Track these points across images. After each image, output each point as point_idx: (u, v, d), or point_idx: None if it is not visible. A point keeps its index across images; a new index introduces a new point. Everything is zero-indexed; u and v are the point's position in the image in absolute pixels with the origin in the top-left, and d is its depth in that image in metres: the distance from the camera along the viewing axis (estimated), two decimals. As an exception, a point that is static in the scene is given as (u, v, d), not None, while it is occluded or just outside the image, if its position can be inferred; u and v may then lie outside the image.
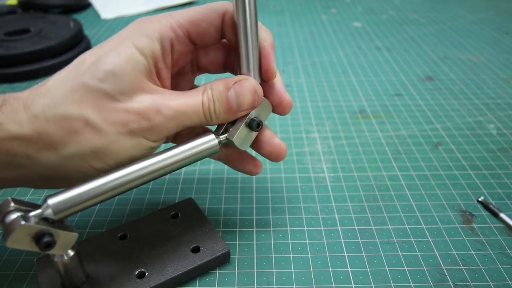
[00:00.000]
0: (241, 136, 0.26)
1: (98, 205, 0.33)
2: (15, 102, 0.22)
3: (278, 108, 0.28)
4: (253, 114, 0.26)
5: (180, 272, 0.26)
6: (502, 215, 0.30)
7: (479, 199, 0.30)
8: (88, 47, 0.61)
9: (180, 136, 0.30)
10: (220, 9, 0.25)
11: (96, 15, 0.77)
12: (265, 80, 0.27)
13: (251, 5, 0.24)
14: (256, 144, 0.28)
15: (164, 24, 0.24)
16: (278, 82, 0.27)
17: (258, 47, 0.25)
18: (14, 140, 0.21)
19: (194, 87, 0.30)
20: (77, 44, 0.59)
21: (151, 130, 0.23)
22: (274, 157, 0.28)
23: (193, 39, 0.26)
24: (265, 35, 0.26)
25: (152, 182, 0.35)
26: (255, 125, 0.26)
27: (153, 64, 0.24)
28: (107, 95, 0.22)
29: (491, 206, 0.29)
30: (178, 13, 0.25)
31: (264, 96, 0.27)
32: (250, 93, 0.25)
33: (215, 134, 0.26)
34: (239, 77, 0.26)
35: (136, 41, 0.23)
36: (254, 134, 0.27)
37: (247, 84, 0.25)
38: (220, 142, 0.26)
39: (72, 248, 0.24)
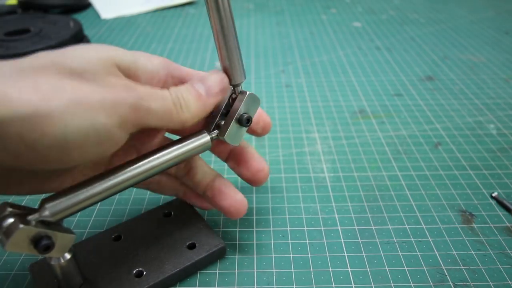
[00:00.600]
0: (231, 132, 0.26)
1: (98, 205, 0.33)
2: None
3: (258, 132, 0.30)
4: (242, 110, 0.26)
5: (178, 269, 0.26)
6: None
7: (493, 195, 0.29)
8: (88, 47, 0.61)
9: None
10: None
11: (96, 15, 0.77)
12: (262, 133, 0.30)
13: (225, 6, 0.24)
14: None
15: (165, 60, 0.25)
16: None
17: (236, 46, 0.25)
18: None
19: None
20: (77, 44, 0.59)
21: (116, 107, 0.21)
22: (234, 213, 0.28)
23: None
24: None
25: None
26: (245, 121, 0.26)
27: (135, 73, 0.23)
28: (74, 72, 0.20)
29: (505, 202, 0.29)
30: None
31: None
32: (216, 74, 0.25)
33: (207, 131, 0.26)
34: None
35: (130, 52, 0.23)
36: (244, 129, 0.27)
37: (212, 72, 0.26)
38: (212, 138, 0.26)
39: (69, 251, 0.24)
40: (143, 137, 0.27)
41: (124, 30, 0.70)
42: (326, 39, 0.66)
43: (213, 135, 0.26)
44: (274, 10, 0.80)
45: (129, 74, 0.23)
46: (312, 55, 0.60)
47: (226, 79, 0.26)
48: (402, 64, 0.58)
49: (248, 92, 0.26)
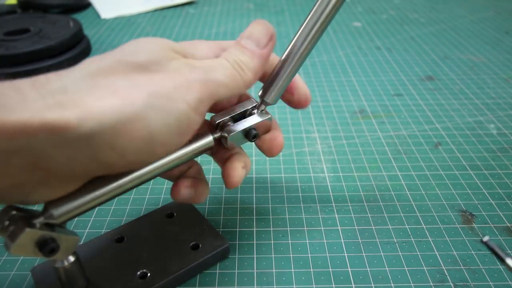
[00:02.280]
0: (235, 138, 0.26)
1: (98, 205, 0.33)
2: (17, 83, 0.18)
3: (297, 103, 0.29)
4: (253, 125, 0.27)
5: (183, 270, 0.26)
6: (508, 260, 0.28)
7: (484, 239, 0.28)
8: (88, 47, 0.61)
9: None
10: None
11: (96, 15, 0.77)
12: (301, 106, 0.29)
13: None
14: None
15: (212, 45, 0.25)
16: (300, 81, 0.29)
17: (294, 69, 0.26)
18: (33, 114, 0.17)
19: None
20: (77, 44, 0.59)
21: (188, 88, 0.21)
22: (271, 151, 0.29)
23: None
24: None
25: (151, 182, 0.35)
26: (252, 136, 0.26)
27: (189, 55, 0.24)
28: (140, 66, 0.20)
29: (496, 250, 0.28)
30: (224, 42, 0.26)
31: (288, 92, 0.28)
32: (260, 26, 0.25)
33: (210, 133, 0.26)
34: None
35: (172, 41, 0.23)
36: (245, 141, 0.27)
37: (253, 23, 0.25)
38: (214, 138, 0.26)
39: (73, 253, 0.23)
40: None
41: (124, 30, 0.70)
42: (326, 39, 0.66)
43: (215, 136, 0.26)
44: (274, 10, 0.80)
45: (185, 55, 0.23)
46: (312, 55, 0.60)
47: (270, 26, 0.25)
48: (402, 64, 0.58)
49: (270, 116, 0.27)
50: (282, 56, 0.26)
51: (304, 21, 0.26)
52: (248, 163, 0.28)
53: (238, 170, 0.27)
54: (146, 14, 0.77)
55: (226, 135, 0.26)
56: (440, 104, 0.47)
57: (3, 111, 0.16)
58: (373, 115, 0.46)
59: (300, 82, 0.29)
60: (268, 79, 0.27)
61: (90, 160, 0.19)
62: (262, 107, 0.27)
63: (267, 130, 0.28)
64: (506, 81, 0.52)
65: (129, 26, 0.71)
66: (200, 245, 0.28)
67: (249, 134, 0.26)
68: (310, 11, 0.25)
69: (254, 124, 0.27)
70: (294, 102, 0.29)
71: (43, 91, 0.18)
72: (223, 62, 0.23)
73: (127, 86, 0.19)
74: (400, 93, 0.50)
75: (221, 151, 0.28)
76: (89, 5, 0.81)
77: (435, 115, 0.45)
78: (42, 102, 0.17)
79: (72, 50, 0.57)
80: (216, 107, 0.28)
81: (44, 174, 0.19)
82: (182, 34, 0.68)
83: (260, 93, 0.27)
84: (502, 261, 0.27)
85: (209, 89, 0.22)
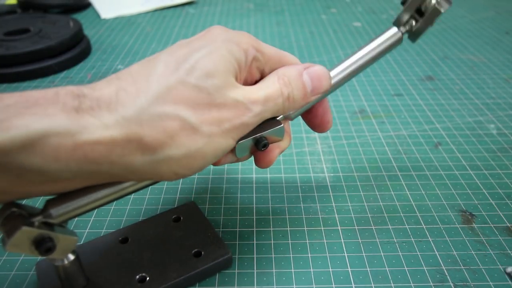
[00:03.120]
0: (244, 145, 0.26)
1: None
2: (93, 101, 0.20)
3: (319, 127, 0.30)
4: (263, 134, 0.26)
5: (181, 277, 0.26)
6: None
7: (507, 270, 0.27)
8: (88, 47, 0.61)
9: None
10: (294, 61, 0.27)
11: (96, 15, 0.77)
12: (321, 131, 0.30)
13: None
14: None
15: (251, 43, 0.25)
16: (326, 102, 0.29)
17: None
18: (96, 145, 0.19)
19: None
20: (77, 44, 0.59)
21: (240, 128, 0.23)
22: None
23: (262, 71, 0.26)
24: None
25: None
26: (262, 145, 0.26)
27: (238, 69, 0.24)
28: (202, 92, 0.21)
29: None
30: (262, 43, 0.26)
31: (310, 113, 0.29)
32: (324, 76, 0.26)
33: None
34: (306, 64, 0.26)
35: (228, 44, 0.23)
36: (253, 149, 0.27)
37: (318, 68, 0.26)
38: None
39: (73, 252, 0.23)
40: None
41: (124, 30, 0.70)
42: (326, 39, 0.66)
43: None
44: (274, 10, 0.80)
45: (236, 74, 0.24)
46: (312, 55, 0.60)
47: (330, 81, 0.26)
48: (402, 64, 0.58)
49: (282, 125, 0.26)
50: None
51: (353, 54, 0.28)
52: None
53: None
54: (146, 14, 0.77)
55: (236, 142, 0.25)
56: (440, 104, 0.47)
57: (83, 135, 0.19)
58: (373, 115, 0.46)
59: (327, 107, 0.30)
60: None
61: (154, 178, 0.23)
62: (280, 116, 0.27)
63: (279, 139, 0.27)
64: (506, 81, 0.52)
65: (129, 26, 0.71)
66: (203, 253, 0.28)
67: (259, 143, 0.26)
68: (360, 49, 0.28)
69: (265, 133, 0.26)
70: (315, 125, 0.30)
71: (118, 117, 0.20)
72: (277, 96, 0.24)
73: (192, 123, 0.21)
74: (400, 93, 0.50)
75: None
76: (89, 5, 0.81)
77: (435, 115, 0.45)
78: (115, 131, 0.20)
79: (72, 50, 0.57)
80: None
81: (107, 178, 0.21)
82: (182, 34, 0.68)
83: None
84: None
85: (255, 125, 0.24)
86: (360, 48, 0.29)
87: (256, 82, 0.26)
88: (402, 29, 0.29)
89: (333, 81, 0.28)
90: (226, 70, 0.22)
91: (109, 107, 0.19)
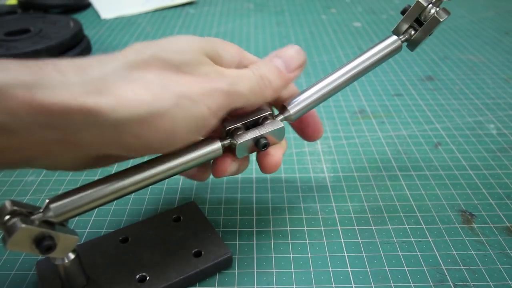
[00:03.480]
0: (244, 145, 0.26)
1: (98, 205, 0.33)
2: (61, 65, 0.20)
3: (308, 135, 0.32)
4: (264, 134, 0.26)
5: (181, 277, 0.26)
6: None
7: None
8: (88, 47, 0.61)
9: None
10: None
11: (96, 15, 0.77)
12: (312, 140, 0.32)
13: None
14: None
15: (237, 50, 0.26)
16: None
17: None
18: (54, 100, 0.19)
19: None
20: (77, 44, 0.59)
21: (212, 94, 0.23)
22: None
23: None
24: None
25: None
26: (262, 145, 0.26)
27: (217, 60, 0.25)
28: (174, 66, 0.22)
29: None
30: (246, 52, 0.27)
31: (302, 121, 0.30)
32: (294, 51, 0.26)
33: (219, 139, 0.26)
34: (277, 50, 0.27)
35: (209, 40, 0.25)
36: (255, 151, 0.27)
37: (288, 47, 0.27)
38: (223, 145, 0.26)
39: (73, 251, 0.23)
40: None
41: (124, 30, 0.70)
42: (326, 39, 0.66)
43: (225, 142, 0.26)
44: (274, 10, 0.80)
45: (214, 61, 0.24)
46: (312, 55, 0.60)
47: (303, 54, 0.27)
48: (402, 64, 0.58)
49: (283, 125, 0.27)
50: (322, 79, 0.28)
51: (357, 57, 0.28)
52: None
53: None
54: (146, 14, 0.77)
55: (236, 142, 0.25)
56: (440, 104, 0.47)
57: (45, 90, 0.18)
58: (373, 115, 0.46)
59: (317, 117, 0.31)
60: (297, 94, 0.28)
61: (116, 143, 0.21)
62: (280, 116, 0.27)
63: (279, 139, 0.27)
64: (506, 81, 0.52)
65: (129, 26, 0.71)
66: (203, 252, 0.28)
67: (259, 143, 0.26)
68: (359, 55, 0.28)
69: (266, 133, 0.26)
70: (308, 135, 0.32)
71: (84, 77, 0.20)
72: (250, 75, 0.25)
73: (159, 84, 0.21)
74: (400, 93, 0.50)
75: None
76: (89, 5, 0.81)
77: (435, 115, 0.45)
78: (82, 86, 0.19)
79: (72, 50, 0.57)
80: (231, 112, 0.28)
81: (72, 147, 0.21)
82: (182, 34, 0.68)
83: (283, 104, 0.28)
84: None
85: (231, 99, 0.24)
86: (359, 54, 0.29)
87: None
88: (402, 37, 0.29)
89: (333, 85, 0.28)
90: (197, 49, 0.23)
91: (78, 69, 0.20)
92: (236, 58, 0.26)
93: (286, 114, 0.27)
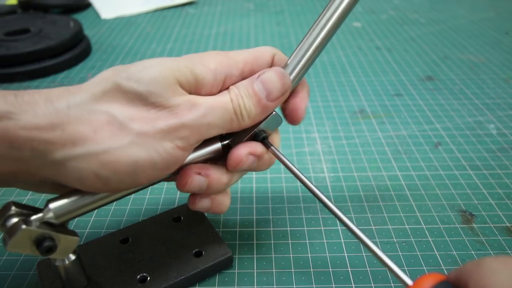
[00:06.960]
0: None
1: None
2: (36, 94, 0.20)
3: (290, 116, 0.27)
4: (261, 127, 0.26)
5: (182, 277, 0.26)
6: None
7: None
8: (88, 47, 0.61)
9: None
10: (270, 52, 0.26)
11: (96, 15, 0.77)
12: (291, 122, 0.27)
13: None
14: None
15: (220, 61, 0.24)
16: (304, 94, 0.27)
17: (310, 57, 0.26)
18: (21, 129, 0.19)
19: None
20: (77, 44, 0.59)
21: (179, 130, 0.21)
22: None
23: (245, 77, 0.25)
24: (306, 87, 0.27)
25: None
26: (260, 138, 0.26)
27: (195, 86, 0.23)
28: (140, 97, 0.21)
29: None
30: (233, 53, 0.25)
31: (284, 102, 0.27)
32: (277, 77, 0.24)
33: (219, 140, 0.26)
34: (265, 69, 0.25)
35: (187, 61, 0.23)
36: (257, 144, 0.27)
37: (271, 70, 0.24)
38: (223, 145, 0.25)
39: (74, 252, 0.23)
40: None
41: (124, 30, 0.70)
42: (326, 39, 0.66)
43: (224, 142, 0.26)
44: (274, 10, 0.80)
45: (190, 88, 0.23)
46: (312, 55, 0.60)
47: (287, 79, 0.25)
48: (402, 64, 0.58)
49: (274, 112, 0.26)
50: (301, 43, 0.26)
51: (312, 29, 0.27)
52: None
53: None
54: (146, 14, 0.77)
55: (234, 144, 0.25)
56: (440, 104, 0.47)
57: (9, 121, 0.19)
58: (373, 115, 0.46)
59: (302, 98, 0.27)
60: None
61: (74, 179, 0.21)
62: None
63: (277, 126, 0.27)
64: (506, 81, 0.52)
65: (129, 26, 0.71)
66: (203, 253, 0.28)
67: (258, 136, 0.26)
68: (317, 20, 0.27)
69: (261, 126, 0.25)
70: (286, 111, 0.27)
71: (50, 109, 0.20)
72: (227, 104, 0.23)
73: (118, 119, 0.21)
74: (400, 93, 0.50)
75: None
76: (89, 5, 0.81)
77: (435, 115, 0.45)
78: (42, 119, 0.19)
79: (72, 50, 0.57)
80: None
81: (32, 178, 0.21)
82: (182, 34, 0.68)
83: None
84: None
85: (201, 132, 0.22)
86: (316, 20, 0.27)
87: None
88: None
89: (316, 44, 0.26)
90: (170, 77, 0.22)
91: (46, 100, 0.20)
92: (222, 71, 0.24)
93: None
